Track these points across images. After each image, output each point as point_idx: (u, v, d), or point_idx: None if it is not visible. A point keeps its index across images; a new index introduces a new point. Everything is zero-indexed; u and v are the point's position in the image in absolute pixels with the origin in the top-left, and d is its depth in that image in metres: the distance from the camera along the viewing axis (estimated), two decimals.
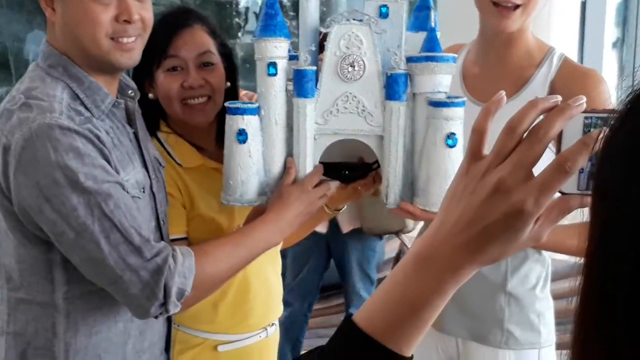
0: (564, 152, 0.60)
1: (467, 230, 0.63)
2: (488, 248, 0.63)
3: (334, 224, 3.20)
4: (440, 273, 0.65)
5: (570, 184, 0.61)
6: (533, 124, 0.62)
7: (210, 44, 1.64)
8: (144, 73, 1.59)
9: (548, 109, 0.62)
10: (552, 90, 1.57)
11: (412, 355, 0.67)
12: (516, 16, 1.56)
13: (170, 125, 1.68)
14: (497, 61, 1.66)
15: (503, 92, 0.67)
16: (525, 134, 0.62)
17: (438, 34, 1.44)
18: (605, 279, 0.45)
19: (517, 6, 1.55)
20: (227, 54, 1.69)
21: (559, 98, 0.62)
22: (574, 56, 3.97)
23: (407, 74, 1.41)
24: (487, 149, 0.65)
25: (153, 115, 1.63)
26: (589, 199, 0.48)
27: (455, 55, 1.46)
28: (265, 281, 1.75)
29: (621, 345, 0.43)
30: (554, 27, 3.51)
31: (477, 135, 0.66)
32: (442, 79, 1.40)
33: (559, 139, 0.62)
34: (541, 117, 0.63)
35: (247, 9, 11.39)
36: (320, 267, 3.45)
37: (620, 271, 0.43)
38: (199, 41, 1.62)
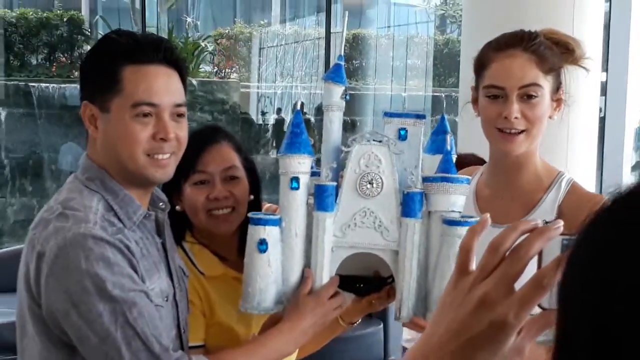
0: (541, 269, 0.65)
1: (454, 341, 0.68)
2: (474, 357, 0.68)
3: None
4: None
5: (549, 300, 0.66)
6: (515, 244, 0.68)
7: (236, 159, 1.74)
8: (172, 186, 1.67)
9: (528, 231, 0.68)
10: (560, 214, 1.63)
11: None
12: (520, 140, 1.65)
13: (195, 235, 1.75)
14: (507, 184, 1.73)
15: (487, 215, 0.73)
16: (507, 253, 0.68)
17: (453, 157, 1.52)
18: None
19: (521, 131, 1.64)
20: (251, 169, 1.78)
21: (539, 222, 0.68)
22: (592, 179, 4.03)
23: (423, 193, 1.47)
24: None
25: (179, 226, 1.70)
26: None
27: (469, 177, 1.54)
28: None
29: None
30: (572, 153, 3.60)
31: (464, 252, 0.72)
32: (457, 199, 1.46)
33: (539, 258, 0.68)
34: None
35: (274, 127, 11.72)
36: None
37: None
38: (225, 157, 1.72)
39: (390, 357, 4.12)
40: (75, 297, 1.32)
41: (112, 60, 1.43)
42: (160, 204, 1.56)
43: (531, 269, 0.67)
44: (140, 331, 1.33)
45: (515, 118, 1.64)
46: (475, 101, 1.76)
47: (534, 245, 0.67)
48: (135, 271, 1.38)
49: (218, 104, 10.67)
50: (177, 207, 1.71)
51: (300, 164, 1.50)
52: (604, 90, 5.61)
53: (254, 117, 12.20)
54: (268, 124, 11.87)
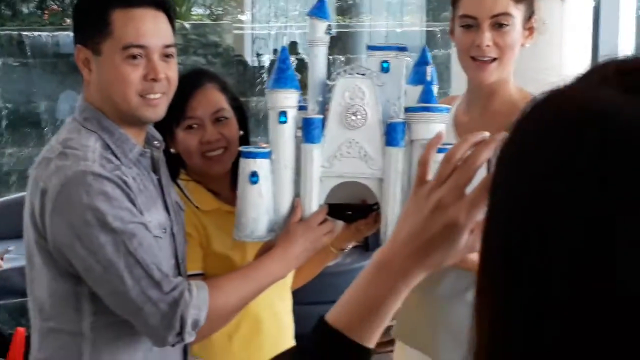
0: (487, 175, 0.73)
1: (414, 241, 0.77)
2: (431, 255, 0.77)
3: None
4: (394, 277, 0.78)
5: None
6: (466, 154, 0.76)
7: (223, 101, 1.80)
8: (165, 129, 1.73)
9: (477, 143, 0.76)
10: None
11: (373, 348, 0.79)
12: (492, 68, 1.72)
13: (189, 173, 1.83)
14: (483, 110, 1.80)
15: (442, 132, 0.82)
16: (459, 163, 0.76)
17: (434, 87, 1.58)
18: (485, 253, 0.58)
19: (493, 59, 1.71)
20: (238, 107, 1.85)
21: (486, 134, 0.76)
22: None
23: (405, 123, 1.53)
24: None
25: (174, 166, 1.77)
26: None
27: (449, 106, 1.60)
28: (276, 315, 1.87)
29: (499, 300, 0.55)
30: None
31: (422, 165, 0.82)
32: (437, 128, 1.52)
33: (488, 165, 0.75)
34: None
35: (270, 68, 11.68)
36: None
37: (493, 244, 0.56)
38: (212, 100, 1.78)
39: None
40: (79, 230, 1.40)
41: (102, 4, 1.49)
42: (155, 142, 1.62)
43: (481, 176, 0.75)
44: (141, 259, 1.41)
45: (487, 46, 1.70)
46: (452, 32, 1.82)
47: (481, 154, 0.76)
48: (134, 205, 1.45)
49: (212, 47, 10.64)
50: (172, 150, 1.78)
51: (287, 99, 1.56)
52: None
53: (248, 59, 12.16)
54: (264, 66, 11.84)
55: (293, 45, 11.23)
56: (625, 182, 0.49)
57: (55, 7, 11.38)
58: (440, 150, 1.50)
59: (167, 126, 1.71)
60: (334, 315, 0.80)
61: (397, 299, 0.79)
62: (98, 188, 1.40)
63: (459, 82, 2.55)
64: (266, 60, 11.99)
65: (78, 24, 1.56)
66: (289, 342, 1.92)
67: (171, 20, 1.57)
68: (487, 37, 1.70)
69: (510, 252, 0.54)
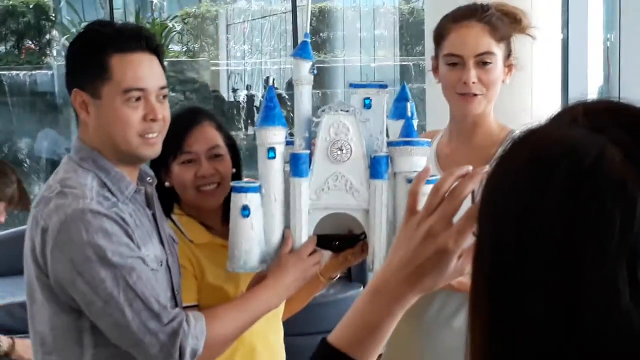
0: (473, 205, 0.81)
1: (407, 267, 0.85)
2: (424, 279, 0.85)
3: None
4: (389, 301, 0.86)
5: None
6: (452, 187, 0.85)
7: (218, 138, 1.88)
8: (160, 164, 1.80)
9: (462, 176, 0.84)
10: None
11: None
12: (478, 101, 1.82)
13: (183, 208, 1.89)
14: (465, 142, 1.90)
15: (429, 166, 0.91)
16: (446, 194, 0.84)
17: (414, 122, 1.67)
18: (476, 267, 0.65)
19: (478, 94, 1.81)
20: (231, 144, 1.93)
21: (470, 168, 0.85)
22: None
23: (388, 156, 1.61)
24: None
25: (168, 200, 1.84)
26: None
27: (429, 140, 1.69)
28: (269, 345, 1.92)
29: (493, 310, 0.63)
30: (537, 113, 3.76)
31: (412, 196, 0.89)
32: (419, 160, 1.61)
33: (472, 196, 0.84)
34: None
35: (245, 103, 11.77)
36: None
37: (482, 267, 0.64)
38: (208, 137, 1.86)
39: None
40: (79, 266, 1.46)
41: (98, 50, 1.56)
42: (148, 178, 1.69)
43: (467, 205, 0.83)
44: (140, 293, 1.47)
45: (473, 83, 1.80)
46: (435, 69, 1.92)
47: (467, 186, 0.84)
48: (132, 240, 1.52)
49: (189, 83, 10.74)
50: (166, 184, 1.84)
51: (275, 135, 1.64)
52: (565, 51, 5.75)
53: (224, 94, 12.27)
54: (239, 101, 11.95)
55: (269, 81, 11.38)
56: (589, 211, 0.57)
57: (32, 46, 11.45)
58: (426, 182, 1.60)
59: (162, 161, 1.77)
60: (335, 336, 0.87)
61: (393, 320, 0.87)
62: (97, 225, 1.47)
63: (434, 115, 2.65)
64: (241, 96, 12.11)
65: (73, 69, 1.62)
66: None
67: (162, 62, 1.65)
68: (473, 74, 1.80)
69: (495, 271, 0.62)
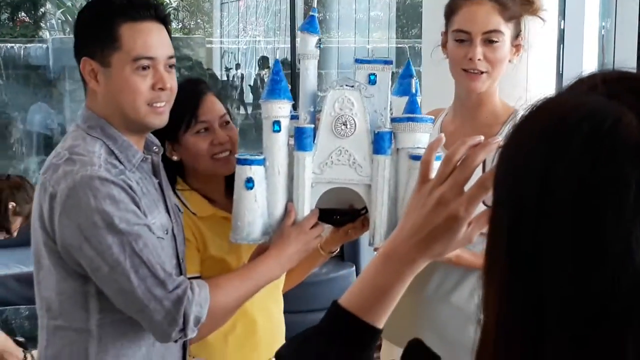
0: (484, 174, 0.84)
1: (418, 233, 0.88)
2: (434, 245, 0.88)
3: None
4: (400, 265, 0.89)
5: (491, 199, 0.85)
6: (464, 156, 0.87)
7: (222, 107, 1.90)
8: (165, 137, 1.81)
9: (474, 145, 0.87)
10: None
11: (382, 328, 0.89)
12: (483, 79, 1.85)
13: (187, 181, 1.91)
14: (469, 120, 1.93)
15: (442, 134, 0.93)
16: (458, 163, 0.87)
17: (418, 99, 1.69)
18: (492, 241, 0.68)
19: (483, 72, 1.84)
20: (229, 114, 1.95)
21: (482, 137, 0.87)
22: None
23: (391, 132, 1.64)
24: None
25: (172, 174, 1.85)
26: None
27: (432, 117, 1.72)
28: (270, 316, 1.96)
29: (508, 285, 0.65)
30: (530, 94, 3.79)
31: (425, 165, 0.92)
32: (422, 137, 1.63)
33: (483, 166, 0.87)
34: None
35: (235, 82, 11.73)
36: None
37: (501, 229, 0.66)
38: (217, 105, 1.89)
39: None
40: (87, 231, 1.48)
41: (109, 19, 1.57)
42: (154, 147, 1.71)
43: (477, 175, 0.85)
44: (146, 260, 1.50)
45: (479, 60, 1.83)
46: (444, 45, 1.95)
47: (478, 156, 0.86)
48: (138, 207, 1.54)
49: (184, 60, 10.69)
50: (174, 157, 1.86)
51: (280, 109, 1.66)
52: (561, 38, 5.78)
53: (217, 72, 12.23)
54: (232, 80, 11.91)
55: (264, 60, 11.34)
56: (608, 173, 0.60)
57: (27, 19, 11.37)
58: (419, 158, 1.62)
59: (168, 134, 1.79)
60: (347, 299, 0.90)
61: (403, 284, 0.90)
62: (105, 192, 1.49)
63: (429, 98, 2.66)
64: (233, 74, 12.07)
65: (83, 37, 1.63)
66: (282, 342, 2.00)
67: (169, 32, 1.67)
68: (479, 51, 1.83)
69: (514, 231, 0.65)
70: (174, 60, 1.64)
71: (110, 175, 1.51)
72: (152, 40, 1.58)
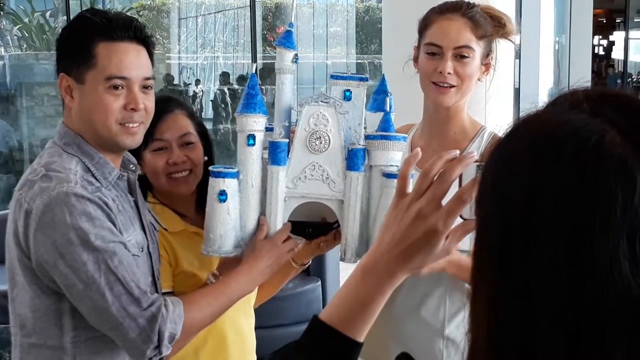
0: (461, 188, 0.87)
1: (397, 247, 0.89)
2: (413, 258, 0.89)
3: None
4: (380, 279, 0.90)
5: (468, 212, 0.87)
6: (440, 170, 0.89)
7: (189, 126, 1.90)
8: (133, 153, 1.79)
9: (450, 160, 0.89)
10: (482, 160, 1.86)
11: (363, 342, 0.90)
12: (452, 93, 1.88)
13: (156, 196, 1.91)
14: (438, 135, 1.96)
15: (418, 149, 0.95)
16: (435, 177, 0.89)
17: (392, 115, 1.71)
18: (480, 253, 0.70)
19: (452, 86, 1.87)
20: (203, 133, 1.95)
21: (457, 152, 0.90)
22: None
23: (365, 149, 1.65)
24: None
25: (141, 188, 1.85)
26: None
27: (406, 135, 1.74)
28: (240, 331, 1.96)
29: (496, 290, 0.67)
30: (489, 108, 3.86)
31: (402, 179, 0.93)
32: (395, 155, 1.65)
33: (460, 179, 0.89)
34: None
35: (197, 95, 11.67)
36: None
37: (489, 244, 0.68)
38: (180, 124, 1.88)
39: None
40: (62, 248, 1.47)
41: (87, 37, 1.57)
42: (131, 166, 1.71)
43: (454, 189, 0.88)
44: (121, 277, 1.49)
45: (449, 73, 1.87)
46: (416, 59, 1.98)
47: (455, 170, 0.89)
48: (114, 225, 1.53)
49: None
50: (139, 172, 1.85)
51: (255, 123, 1.66)
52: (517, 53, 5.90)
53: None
54: (190, 95, 11.87)
55: (225, 76, 11.31)
56: (594, 188, 0.62)
57: None
58: (396, 177, 1.61)
59: (134, 149, 1.78)
60: (327, 314, 0.91)
61: (383, 297, 0.91)
62: (81, 208, 1.48)
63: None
64: (192, 90, 12.02)
65: (62, 54, 1.63)
66: (252, 357, 2.01)
67: (150, 54, 1.67)
68: (450, 65, 1.87)
69: (502, 253, 0.66)
70: (151, 82, 1.64)
71: (87, 192, 1.51)
72: (128, 60, 1.58)
